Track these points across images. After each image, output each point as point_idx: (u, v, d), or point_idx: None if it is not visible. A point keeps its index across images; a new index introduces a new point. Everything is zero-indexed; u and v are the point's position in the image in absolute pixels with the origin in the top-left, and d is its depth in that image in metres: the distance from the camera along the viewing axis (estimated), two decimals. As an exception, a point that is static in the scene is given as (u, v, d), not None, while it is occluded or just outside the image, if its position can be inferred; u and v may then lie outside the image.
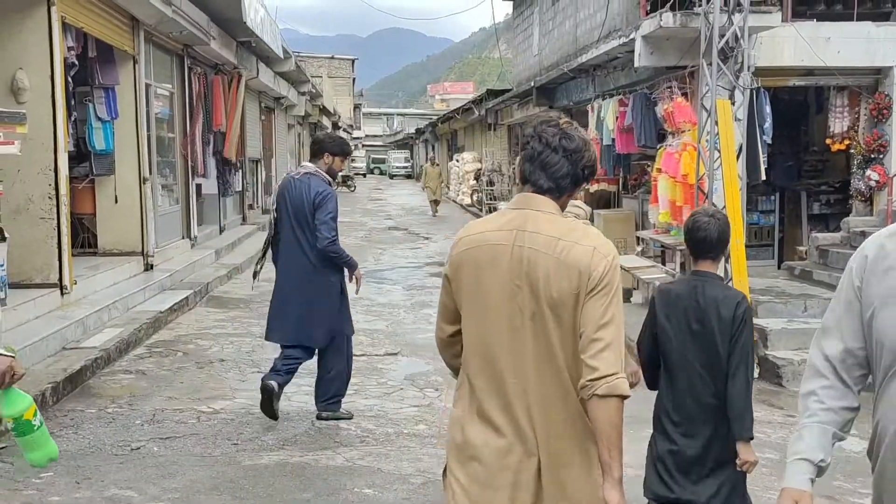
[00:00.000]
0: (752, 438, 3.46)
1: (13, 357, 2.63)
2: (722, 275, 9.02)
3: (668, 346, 3.62)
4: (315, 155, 6.16)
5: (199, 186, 15.13)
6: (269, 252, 6.36)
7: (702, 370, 3.54)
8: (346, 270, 6.18)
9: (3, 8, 8.34)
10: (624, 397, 2.37)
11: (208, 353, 8.29)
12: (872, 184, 10.70)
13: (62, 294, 8.69)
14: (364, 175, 65.51)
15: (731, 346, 3.50)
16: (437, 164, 30.85)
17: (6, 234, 7.37)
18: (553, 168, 2.52)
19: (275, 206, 6.20)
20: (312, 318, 6.02)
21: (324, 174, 6.08)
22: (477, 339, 2.55)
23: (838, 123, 11.00)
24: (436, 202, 28.23)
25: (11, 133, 5.86)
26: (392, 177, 65.96)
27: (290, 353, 6.11)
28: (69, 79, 9.55)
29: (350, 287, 6.27)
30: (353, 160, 64.86)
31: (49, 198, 8.67)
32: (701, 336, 3.54)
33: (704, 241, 3.65)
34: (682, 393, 3.58)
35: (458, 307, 2.62)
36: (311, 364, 6.38)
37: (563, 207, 2.58)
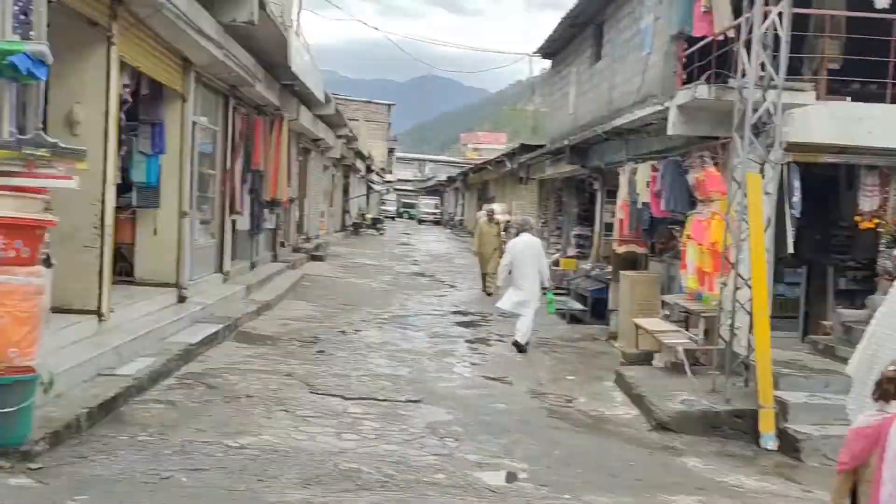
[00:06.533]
0: None
1: None
2: (746, 346, 9.12)
3: None
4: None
5: (233, 222, 15.47)
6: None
7: None
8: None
9: (66, 45, 8.72)
10: None
11: (236, 389, 8.49)
12: (899, 263, 10.77)
13: (99, 321, 8.96)
14: (393, 218, 66.53)
15: None
16: (497, 222, 20.52)
17: (53, 261, 7.63)
18: None
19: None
20: None
21: None
22: None
23: (868, 202, 11.09)
24: (487, 275, 19.02)
25: (72, 169, 6.15)
26: (421, 222, 66.76)
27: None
28: (121, 115, 9.93)
29: None
30: (383, 203, 65.95)
31: (94, 228, 8.98)
32: None
33: None
34: None
35: None
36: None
37: None
